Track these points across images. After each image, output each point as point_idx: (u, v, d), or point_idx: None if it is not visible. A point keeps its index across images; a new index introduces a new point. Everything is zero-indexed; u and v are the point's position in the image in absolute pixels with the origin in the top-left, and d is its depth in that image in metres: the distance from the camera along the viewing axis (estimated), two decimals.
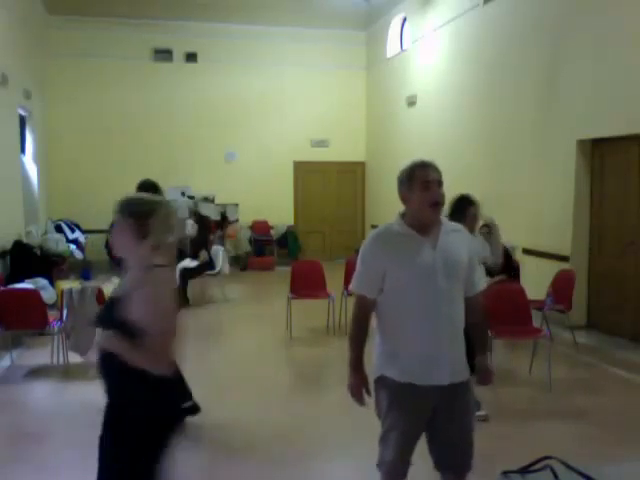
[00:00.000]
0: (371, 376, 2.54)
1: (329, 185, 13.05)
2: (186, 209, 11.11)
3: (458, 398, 2.45)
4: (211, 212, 11.61)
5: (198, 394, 4.86)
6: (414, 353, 2.40)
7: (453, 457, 2.50)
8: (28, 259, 7.74)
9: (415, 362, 2.40)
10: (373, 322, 2.55)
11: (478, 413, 3.98)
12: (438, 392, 2.40)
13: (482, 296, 2.62)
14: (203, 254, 8.91)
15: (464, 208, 4.17)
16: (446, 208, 3.30)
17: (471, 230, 4.11)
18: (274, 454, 3.82)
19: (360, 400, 2.54)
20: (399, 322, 2.44)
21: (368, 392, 2.55)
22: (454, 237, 2.46)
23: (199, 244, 9.16)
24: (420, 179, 2.40)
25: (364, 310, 2.51)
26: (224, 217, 12.03)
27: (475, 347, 2.61)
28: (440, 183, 2.42)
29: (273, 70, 12.30)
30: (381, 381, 2.49)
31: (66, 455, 3.80)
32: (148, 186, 4.69)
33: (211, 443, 4.02)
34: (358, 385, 2.52)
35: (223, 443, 4.03)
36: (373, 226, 12.49)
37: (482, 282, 2.63)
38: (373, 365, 2.53)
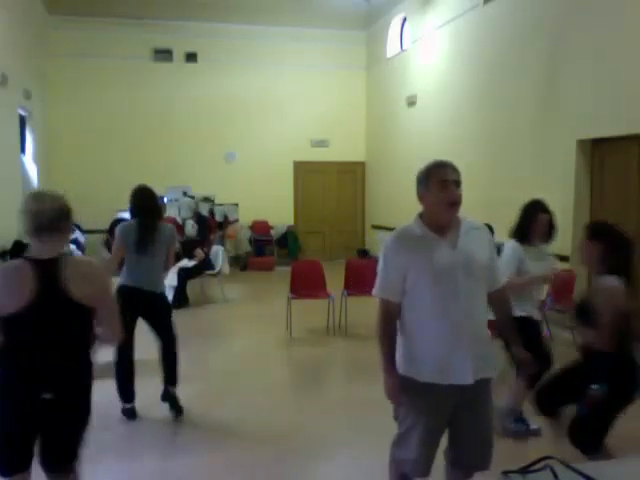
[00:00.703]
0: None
1: (329, 185, 13.05)
2: (188, 209, 11.12)
3: (480, 396, 2.47)
4: (215, 213, 11.65)
5: (198, 394, 4.87)
6: (435, 353, 2.40)
7: (472, 456, 2.52)
8: None
9: (435, 362, 2.40)
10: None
11: (533, 427, 3.98)
12: (459, 391, 2.41)
13: (506, 291, 2.69)
14: (198, 252, 8.90)
15: (535, 213, 4.03)
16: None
17: (541, 239, 4.02)
18: (274, 454, 3.82)
19: (397, 401, 2.53)
20: (420, 322, 2.44)
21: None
22: (474, 235, 2.47)
23: (193, 243, 9.16)
24: (437, 178, 2.40)
25: (390, 315, 2.49)
26: (223, 217, 12.05)
27: (507, 341, 2.69)
28: (458, 183, 2.41)
29: (273, 70, 12.30)
30: (402, 381, 2.50)
31: None
32: (146, 193, 4.67)
33: (210, 443, 4.02)
34: (394, 387, 2.50)
35: (223, 443, 4.03)
36: (373, 226, 12.50)
37: (503, 277, 2.68)
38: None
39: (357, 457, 3.74)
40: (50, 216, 2.36)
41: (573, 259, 6.70)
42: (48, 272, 2.31)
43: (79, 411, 2.49)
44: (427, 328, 2.41)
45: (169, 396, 4.45)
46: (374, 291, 2.53)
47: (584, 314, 3.07)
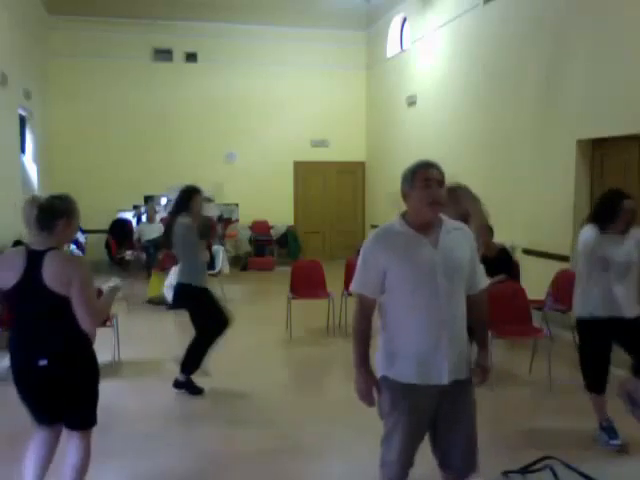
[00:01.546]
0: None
1: (329, 185, 13.05)
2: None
3: (460, 397, 2.46)
4: (215, 212, 11.64)
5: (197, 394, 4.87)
6: (414, 352, 2.40)
7: (457, 457, 2.50)
8: None
9: (415, 362, 2.40)
10: (377, 322, 2.54)
11: (613, 442, 3.56)
12: (439, 391, 2.41)
13: (485, 294, 2.62)
14: (205, 254, 8.89)
15: (617, 203, 3.71)
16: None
17: (628, 227, 3.74)
18: (274, 453, 3.82)
19: (368, 400, 2.51)
20: (399, 321, 2.44)
21: (379, 390, 2.51)
22: (455, 235, 2.46)
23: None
24: (421, 178, 2.41)
25: (364, 310, 2.51)
26: (221, 217, 12.07)
27: (477, 344, 2.62)
28: (441, 183, 2.42)
29: (273, 70, 12.30)
30: (382, 381, 2.49)
31: (65, 454, 3.79)
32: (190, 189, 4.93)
33: (211, 442, 4.02)
34: (364, 384, 2.49)
35: (223, 442, 4.04)
36: (373, 226, 12.49)
37: (484, 280, 2.62)
38: (375, 365, 2.53)
39: (357, 457, 3.74)
40: (38, 217, 2.81)
41: (573, 259, 6.70)
42: (34, 261, 2.74)
43: (73, 378, 2.82)
44: (407, 327, 2.41)
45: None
46: (351, 286, 2.56)
47: None
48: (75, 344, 2.82)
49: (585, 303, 3.81)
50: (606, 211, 3.75)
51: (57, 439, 3.02)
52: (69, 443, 2.94)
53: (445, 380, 2.38)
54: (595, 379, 3.87)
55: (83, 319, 2.76)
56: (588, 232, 3.78)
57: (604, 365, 3.86)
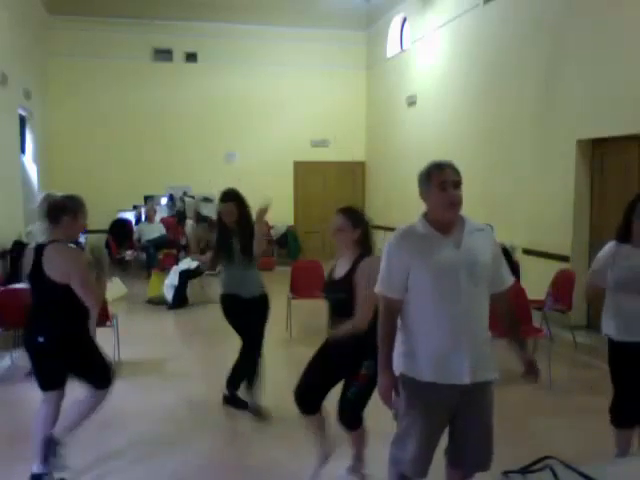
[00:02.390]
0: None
1: (329, 185, 13.04)
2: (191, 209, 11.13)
3: (478, 398, 2.46)
4: (211, 212, 11.61)
5: (198, 393, 4.88)
6: (434, 352, 2.40)
7: (471, 456, 2.52)
8: None
9: (434, 361, 2.40)
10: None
11: None
12: (458, 391, 2.41)
13: (511, 292, 2.64)
14: (207, 255, 8.93)
15: (635, 206, 3.26)
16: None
17: None
18: (275, 453, 3.82)
19: (388, 401, 2.51)
20: (420, 321, 2.44)
21: (397, 393, 2.52)
22: (478, 236, 2.46)
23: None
24: (436, 180, 2.40)
25: (390, 313, 2.49)
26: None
27: (513, 345, 2.64)
28: (457, 184, 2.41)
29: (273, 70, 12.30)
30: (402, 379, 2.49)
31: (66, 454, 3.80)
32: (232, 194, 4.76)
33: (211, 442, 4.01)
34: (387, 386, 2.49)
35: (223, 442, 4.04)
36: (373, 226, 12.48)
37: (510, 278, 2.62)
38: (393, 363, 2.52)
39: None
40: (47, 211, 3.20)
41: (573, 259, 6.71)
42: (38, 253, 3.16)
43: (72, 357, 3.28)
44: (427, 326, 2.41)
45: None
46: (376, 287, 2.53)
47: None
48: (71, 328, 3.26)
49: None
50: (624, 219, 3.35)
51: (60, 400, 3.41)
52: (85, 390, 3.40)
53: (467, 380, 2.38)
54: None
55: (85, 299, 3.19)
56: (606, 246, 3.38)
57: None
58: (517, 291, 5.44)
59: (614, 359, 3.28)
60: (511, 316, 2.67)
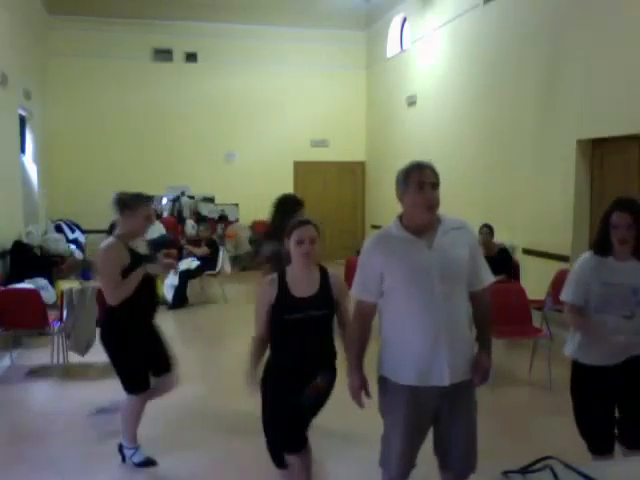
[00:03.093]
0: (375, 376, 2.56)
1: (329, 185, 13.04)
2: (188, 209, 11.15)
3: (460, 398, 2.45)
4: (214, 213, 11.70)
5: (198, 393, 4.87)
6: (412, 354, 2.39)
7: (456, 457, 2.50)
8: (28, 259, 7.74)
9: (413, 363, 2.39)
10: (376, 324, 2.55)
11: None
12: (438, 393, 2.40)
13: (488, 292, 2.57)
14: (203, 249, 9.02)
15: (609, 213, 2.87)
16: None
17: (621, 249, 2.82)
18: None
19: (358, 401, 2.54)
20: (397, 324, 2.44)
21: (367, 394, 2.55)
22: (453, 235, 2.43)
23: (195, 243, 9.28)
24: (415, 180, 2.38)
25: (363, 315, 2.53)
26: (221, 217, 12.08)
27: (478, 343, 2.57)
28: (435, 185, 2.39)
29: (273, 70, 12.30)
30: (382, 382, 2.51)
31: (66, 455, 3.80)
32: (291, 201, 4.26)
33: (212, 442, 4.01)
34: (356, 386, 2.52)
35: (224, 442, 4.04)
36: (373, 226, 12.49)
37: (489, 277, 2.55)
38: (376, 365, 2.54)
39: (358, 456, 3.75)
40: (113, 206, 3.63)
41: (573, 259, 6.70)
42: None
43: (107, 350, 3.55)
44: (404, 329, 2.41)
45: None
46: (351, 291, 2.57)
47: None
48: (108, 322, 3.58)
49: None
50: (599, 229, 2.97)
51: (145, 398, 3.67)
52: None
53: (446, 382, 2.37)
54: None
55: (106, 298, 3.48)
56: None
57: None
58: (517, 291, 5.45)
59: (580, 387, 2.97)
60: (484, 316, 2.57)
